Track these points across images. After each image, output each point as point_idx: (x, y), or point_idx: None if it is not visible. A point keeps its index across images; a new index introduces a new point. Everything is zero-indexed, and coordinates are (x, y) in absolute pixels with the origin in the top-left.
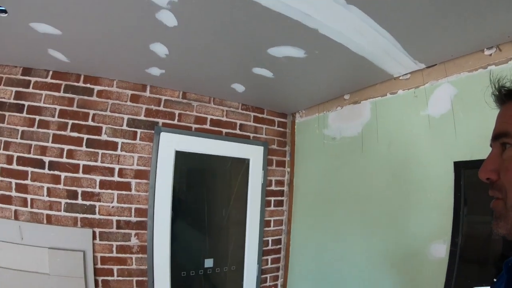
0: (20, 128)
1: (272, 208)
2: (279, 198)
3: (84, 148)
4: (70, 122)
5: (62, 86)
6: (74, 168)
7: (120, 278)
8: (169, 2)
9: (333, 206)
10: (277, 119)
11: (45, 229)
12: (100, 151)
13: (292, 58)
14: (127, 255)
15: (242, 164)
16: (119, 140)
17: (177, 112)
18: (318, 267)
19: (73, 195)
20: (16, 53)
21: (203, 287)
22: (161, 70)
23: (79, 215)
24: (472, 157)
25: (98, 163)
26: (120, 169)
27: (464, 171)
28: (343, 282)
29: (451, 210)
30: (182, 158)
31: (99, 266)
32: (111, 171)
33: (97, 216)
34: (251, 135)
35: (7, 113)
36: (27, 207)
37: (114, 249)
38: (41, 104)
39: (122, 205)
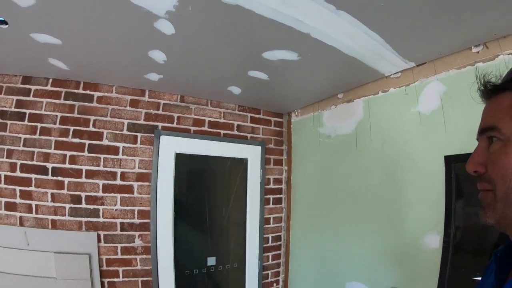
0: (23, 136)
1: (271, 206)
2: (278, 196)
3: (86, 153)
4: (72, 128)
5: (62, 94)
6: (77, 173)
7: (125, 279)
8: (166, 12)
9: (329, 203)
10: (273, 119)
11: (50, 234)
12: (102, 156)
13: (286, 61)
14: (132, 256)
15: (241, 164)
16: (120, 145)
17: (175, 115)
18: (317, 262)
19: (77, 199)
20: (16, 62)
21: (207, 285)
22: (160, 75)
23: (84, 219)
24: (462, 151)
25: (101, 168)
26: (122, 173)
27: (455, 164)
28: (342, 276)
29: (443, 202)
30: (182, 160)
31: (104, 268)
32: (113, 175)
33: (101, 219)
34: (249, 135)
35: (8, 122)
36: (32, 213)
37: (118, 251)
38: (42, 112)
39: (125, 207)
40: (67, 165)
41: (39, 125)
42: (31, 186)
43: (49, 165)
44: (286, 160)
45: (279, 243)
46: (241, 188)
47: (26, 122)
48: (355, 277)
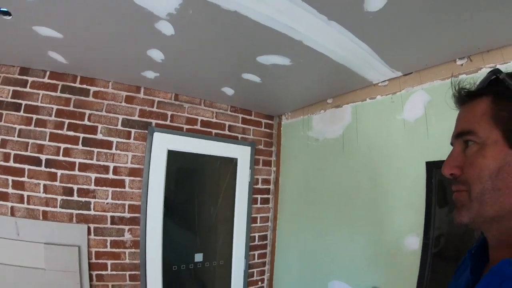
0: (18, 127)
1: (258, 205)
2: (266, 196)
3: (80, 146)
4: (67, 121)
5: (59, 87)
6: (70, 165)
7: (113, 272)
8: (168, 14)
9: (315, 204)
10: (264, 120)
11: (41, 225)
12: (96, 150)
13: (278, 66)
14: (121, 250)
15: (231, 163)
16: (114, 139)
17: (169, 113)
18: (302, 261)
19: (69, 191)
20: (15, 53)
21: (193, 280)
22: (156, 73)
23: (75, 211)
24: (442, 157)
25: (94, 161)
26: (114, 167)
27: (435, 170)
28: (326, 275)
29: (423, 205)
30: (174, 157)
31: (93, 260)
32: (106, 169)
33: (92, 212)
34: (239, 135)
35: (4, 112)
36: (23, 203)
37: (108, 244)
38: (38, 104)
39: (116, 201)
40: (60, 157)
41: (34, 116)
42: (24, 176)
43: (43, 157)
44: (275, 161)
45: (265, 242)
46: (230, 187)
47: (21, 113)
48: (338, 277)
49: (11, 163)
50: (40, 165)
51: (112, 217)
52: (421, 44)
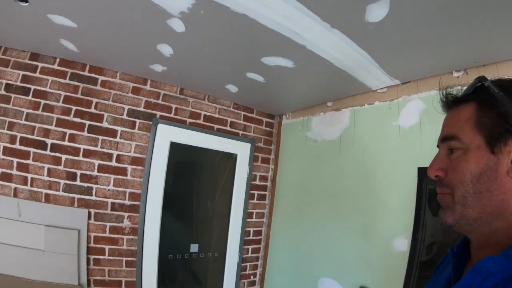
0: (25, 110)
1: (255, 201)
2: (262, 192)
3: (85, 133)
4: (74, 108)
5: (68, 74)
6: (75, 151)
7: (111, 257)
8: (180, 12)
9: (311, 203)
10: (265, 119)
11: (43, 207)
12: (101, 137)
13: (282, 67)
14: (119, 236)
15: (230, 159)
16: (119, 128)
17: (174, 106)
18: (294, 258)
19: (72, 176)
20: (27, 39)
21: (188, 270)
22: (164, 67)
23: (77, 196)
24: None
25: (98, 148)
26: (118, 155)
27: (427, 176)
28: (316, 272)
29: (413, 209)
30: (176, 149)
31: (92, 245)
32: (109, 156)
33: (93, 198)
34: (240, 132)
35: (13, 95)
36: (27, 185)
37: (107, 229)
38: (47, 89)
39: (118, 188)
40: (66, 143)
41: (42, 101)
42: (28, 159)
43: (49, 141)
44: (273, 159)
45: (259, 237)
46: (229, 182)
47: (30, 97)
48: (328, 274)
49: (17, 146)
50: (45, 149)
51: (112, 203)
52: (419, 56)
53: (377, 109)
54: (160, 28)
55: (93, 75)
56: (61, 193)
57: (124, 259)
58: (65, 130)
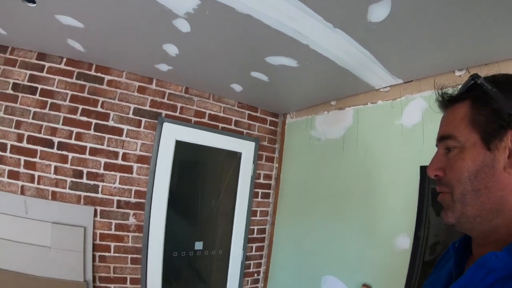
0: (32, 109)
1: (259, 199)
2: (266, 190)
3: (92, 131)
4: (81, 107)
5: (75, 73)
6: (81, 149)
7: (116, 254)
8: (186, 13)
9: (314, 201)
10: (269, 118)
11: (49, 205)
12: (107, 136)
13: (286, 67)
14: (125, 233)
15: (235, 157)
16: (125, 127)
17: (179, 105)
18: (298, 256)
19: (78, 174)
20: (34, 39)
21: (192, 267)
22: (169, 66)
23: (83, 193)
24: None
25: (104, 147)
26: (124, 153)
27: None
28: (319, 270)
29: (415, 207)
30: (181, 147)
31: (97, 242)
32: (115, 155)
33: (99, 195)
34: (245, 131)
35: (20, 94)
36: (33, 183)
37: (113, 226)
38: (54, 88)
39: (123, 186)
40: (72, 141)
41: (49, 100)
42: (36, 157)
43: (56, 139)
44: (277, 158)
45: (263, 235)
46: (233, 180)
47: (37, 96)
48: (331, 272)
49: (24, 144)
50: (52, 147)
51: (118, 201)
52: (421, 55)
53: (380, 108)
54: (166, 28)
55: (99, 74)
56: (67, 190)
57: (129, 256)
58: (71, 128)
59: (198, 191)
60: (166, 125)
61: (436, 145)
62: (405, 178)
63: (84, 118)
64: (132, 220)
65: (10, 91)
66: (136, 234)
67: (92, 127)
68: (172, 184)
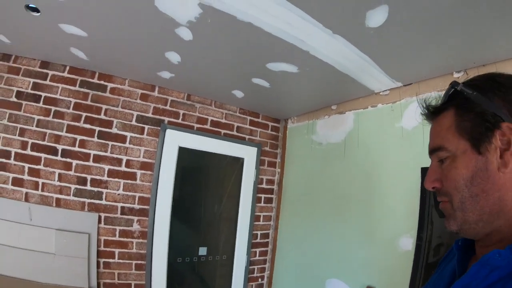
0: (36, 117)
1: (262, 204)
2: (269, 195)
3: (95, 139)
4: (84, 114)
5: (78, 81)
6: (85, 156)
7: (120, 260)
8: (188, 21)
9: (316, 205)
10: (270, 123)
11: (53, 212)
12: (110, 143)
13: (286, 73)
14: (129, 239)
15: (237, 163)
16: (128, 134)
17: (181, 112)
18: (301, 260)
19: (82, 181)
20: (37, 48)
21: (197, 273)
22: (172, 74)
23: (87, 200)
24: None
25: (108, 154)
26: (127, 160)
27: None
28: (323, 273)
29: (417, 208)
30: (184, 154)
31: (102, 248)
32: (119, 162)
33: (103, 202)
34: (247, 136)
35: (24, 102)
36: (38, 190)
37: (117, 233)
38: (58, 96)
39: (127, 193)
40: (76, 148)
41: (53, 108)
42: (40, 164)
43: (60, 147)
44: (279, 163)
45: (267, 240)
46: (236, 185)
47: (41, 104)
48: (335, 275)
49: (28, 151)
50: (56, 155)
51: (122, 207)
52: (419, 58)
53: (380, 111)
54: (168, 37)
55: (102, 82)
56: (71, 197)
57: (134, 262)
58: (75, 136)
59: (202, 197)
60: (169, 132)
61: (430, 157)
62: (406, 180)
63: (87, 126)
64: (136, 227)
65: (14, 99)
66: (140, 240)
67: (96, 134)
68: (175, 190)
